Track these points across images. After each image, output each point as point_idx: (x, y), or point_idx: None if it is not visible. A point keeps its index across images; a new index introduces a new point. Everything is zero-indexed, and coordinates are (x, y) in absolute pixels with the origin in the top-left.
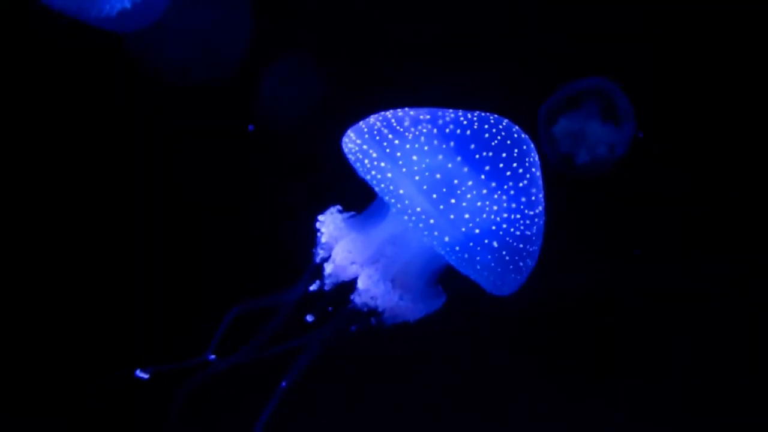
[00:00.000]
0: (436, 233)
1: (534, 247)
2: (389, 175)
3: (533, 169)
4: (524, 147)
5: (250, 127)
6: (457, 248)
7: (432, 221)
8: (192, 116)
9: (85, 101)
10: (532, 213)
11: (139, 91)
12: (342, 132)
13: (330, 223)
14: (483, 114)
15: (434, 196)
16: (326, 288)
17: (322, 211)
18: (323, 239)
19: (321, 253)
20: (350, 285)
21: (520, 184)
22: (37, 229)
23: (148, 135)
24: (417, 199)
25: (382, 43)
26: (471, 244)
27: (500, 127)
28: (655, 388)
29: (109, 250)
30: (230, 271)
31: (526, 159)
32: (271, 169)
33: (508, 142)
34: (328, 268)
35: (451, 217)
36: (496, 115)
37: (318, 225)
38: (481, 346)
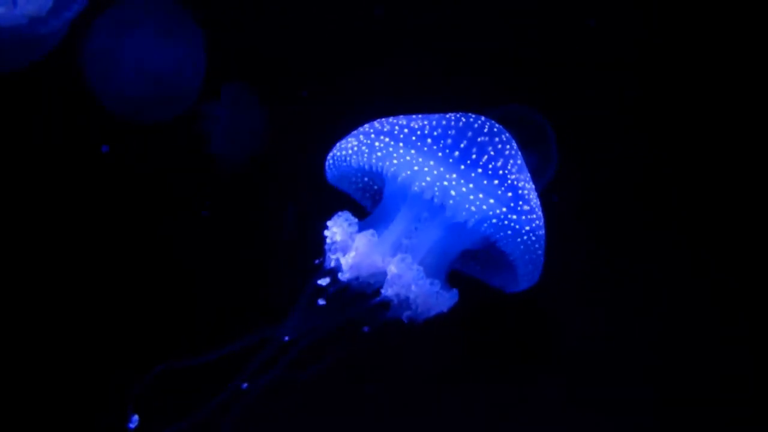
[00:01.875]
0: (480, 196)
1: (541, 215)
2: (413, 151)
3: (520, 153)
4: (507, 134)
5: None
6: (504, 209)
7: (471, 185)
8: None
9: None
10: (532, 185)
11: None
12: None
13: (342, 223)
14: (457, 113)
15: (462, 167)
16: (346, 285)
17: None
18: (337, 237)
19: (335, 255)
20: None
21: (519, 162)
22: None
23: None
24: (450, 168)
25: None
26: (512, 204)
27: (481, 120)
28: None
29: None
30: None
31: (514, 142)
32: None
33: (495, 129)
34: (348, 259)
35: (484, 182)
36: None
37: (327, 231)
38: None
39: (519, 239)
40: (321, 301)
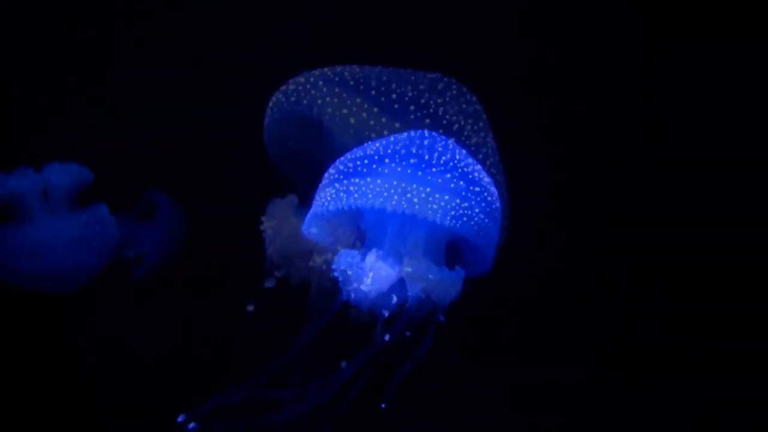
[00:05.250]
0: (437, 196)
1: (497, 191)
2: (379, 181)
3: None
4: (441, 135)
5: None
6: (458, 201)
7: (429, 189)
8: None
9: None
10: (480, 166)
11: None
12: None
13: (345, 258)
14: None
15: (419, 173)
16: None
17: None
18: (348, 272)
19: (353, 287)
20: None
21: (462, 150)
22: None
23: None
24: (409, 180)
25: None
26: (464, 193)
27: (419, 130)
28: None
29: None
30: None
31: (450, 139)
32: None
33: (433, 132)
34: (368, 281)
35: (439, 181)
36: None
37: (335, 271)
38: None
39: (481, 216)
40: (386, 336)
